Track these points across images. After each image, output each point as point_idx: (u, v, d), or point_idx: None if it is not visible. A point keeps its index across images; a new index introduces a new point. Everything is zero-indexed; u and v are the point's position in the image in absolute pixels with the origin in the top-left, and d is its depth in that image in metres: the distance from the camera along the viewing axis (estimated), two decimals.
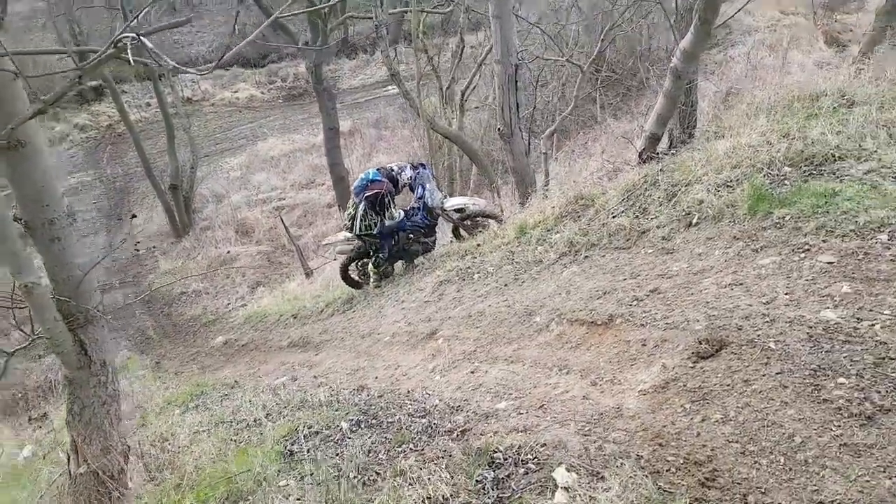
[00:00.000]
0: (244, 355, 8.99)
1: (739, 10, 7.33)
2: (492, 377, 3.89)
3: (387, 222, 7.82)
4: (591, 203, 6.02)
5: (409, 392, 4.13)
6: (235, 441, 4.04)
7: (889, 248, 3.35)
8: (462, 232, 8.45)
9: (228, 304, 15.18)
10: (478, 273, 6.26)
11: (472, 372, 4.11)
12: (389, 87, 26.27)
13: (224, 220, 19.93)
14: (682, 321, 3.42)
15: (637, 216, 5.20)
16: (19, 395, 11.37)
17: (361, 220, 7.89)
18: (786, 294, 3.32)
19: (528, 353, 4.03)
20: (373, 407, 3.93)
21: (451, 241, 8.46)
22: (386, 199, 7.77)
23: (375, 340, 6.00)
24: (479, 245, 7.12)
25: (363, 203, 7.84)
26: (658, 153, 7.10)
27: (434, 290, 6.51)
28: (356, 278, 8.64)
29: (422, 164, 8.63)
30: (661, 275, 4.13)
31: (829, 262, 3.42)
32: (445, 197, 8.54)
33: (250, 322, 11.47)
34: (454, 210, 8.39)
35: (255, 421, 4.31)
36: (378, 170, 8.06)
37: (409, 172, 8.11)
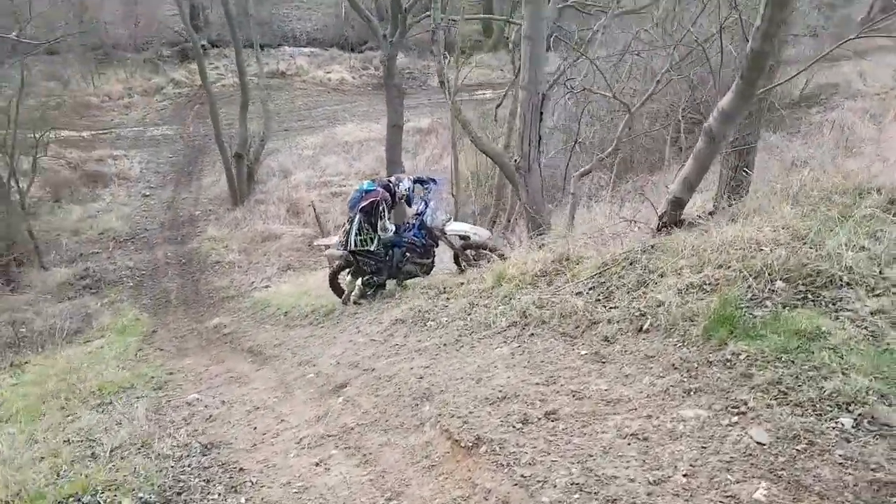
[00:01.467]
0: (216, 347, 8.58)
1: (798, 75, 6.18)
2: (327, 481, 3.13)
3: (380, 234, 7.21)
4: (567, 269, 5.12)
5: (242, 470, 3.46)
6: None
7: (846, 442, 2.34)
8: (462, 261, 7.69)
9: (253, 282, 15.00)
10: (433, 321, 5.47)
11: (319, 463, 3.35)
12: (483, 91, 25.62)
13: (279, 196, 19.89)
14: (544, 478, 2.54)
15: (598, 300, 4.26)
16: None
17: (356, 235, 7.30)
18: (684, 476, 2.38)
19: (386, 458, 3.22)
20: (185, 483, 3.29)
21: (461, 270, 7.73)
22: (381, 208, 7.14)
23: (302, 375, 5.32)
24: (460, 284, 6.33)
25: (358, 216, 7.26)
26: (683, 220, 6.10)
27: (387, 328, 5.77)
28: (344, 287, 8.06)
29: (432, 180, 7.93)
30: (574, 391, 3.22)
31: (759, 443, 2.44)
32: (449, 220, 7.79)
33: (253, 309, 11.13)
34: (457, 236, 7.65)
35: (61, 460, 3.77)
36: (373, 181, 7.48)
37: (406, 184, 7.46)
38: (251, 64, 25.01)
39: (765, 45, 4.78)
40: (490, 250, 7.53)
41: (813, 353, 2.84)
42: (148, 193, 22.45)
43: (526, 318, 4.56)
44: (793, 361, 2.82)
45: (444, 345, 4.74)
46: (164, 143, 25.29)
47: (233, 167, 20.07)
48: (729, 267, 3.74)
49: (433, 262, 7.80)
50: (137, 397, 5.65)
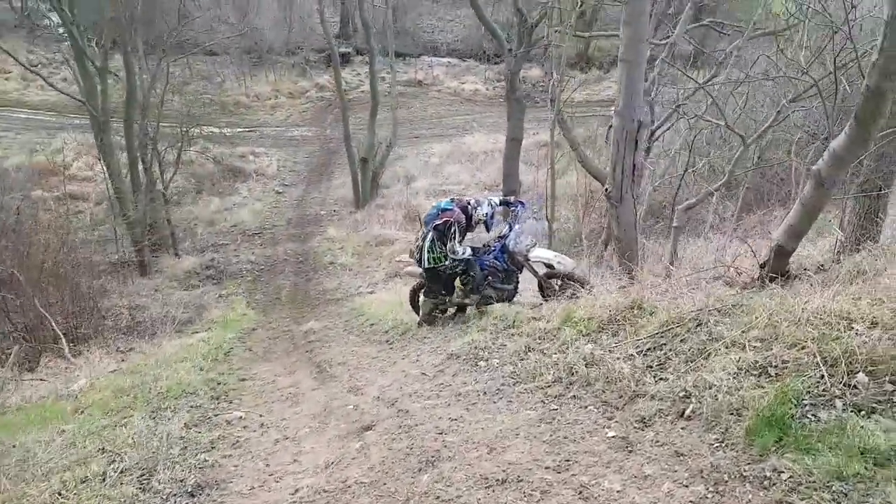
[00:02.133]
0: (297, 354, 8.57)
1: None
2: None
3: (448, 255, 6.95)
4: (636, 319, 4.54)
5: None
6: None
7: None
8: (547, 291, 7.23)
9: (360, 286, 15.16)
10: (485, 360, 5.02)
11: None
12: (595, 108, 24.68)
13: (399, 201, 20.12)
14: None
15: (650, 367, 3.67)
16: None
17: (429, 253, 7.06)
18: None
19: None
20: None
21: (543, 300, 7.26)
22: (453, 229, 6.85)
23: (344, 404, 5.05)
24: (530, 319, 5.87)
25: (431, 233, 7.02)
26: (788, 271, 5.38)
27: (441, 362, 5.41)
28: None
29: (520, 202, 7.52)
30: (582, 487, 2.66)
31: None
32: (534, 245, 7.34)
33: (348, 315, 11.15)
34: (541, 263, 7.20)
35: None
36: (452, 200, 7.21)
37: (485, 209, 7.06)
38: (386, 73, 25.65)
39: (883, 82, 4.01)
40: (576, 281, 6.99)
41: (877, 484, 2.19)
42: (281, 191, 23.62)
43: (572, 375, 4.05)
44: (846, 494, 2.19)
45: (485, 392, 4.29)
46: (303, 144, 26.54)
47: (358, 171, 20.62)
48: (803, 347, 3.06)
49: (516, 288, 7.38)
50: (192, 406, 5.70)
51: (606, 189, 6.65)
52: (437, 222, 6.91)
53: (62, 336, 10.32)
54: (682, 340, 3.75)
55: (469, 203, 7.08)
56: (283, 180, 24.23)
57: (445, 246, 6.88)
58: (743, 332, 3.44)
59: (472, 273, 7.07)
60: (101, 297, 14.52)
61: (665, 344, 3.86)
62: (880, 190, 6.58)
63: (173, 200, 22.25)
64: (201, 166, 23.59)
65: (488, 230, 7.25)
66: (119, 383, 6.87)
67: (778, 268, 5.42)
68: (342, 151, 24.68)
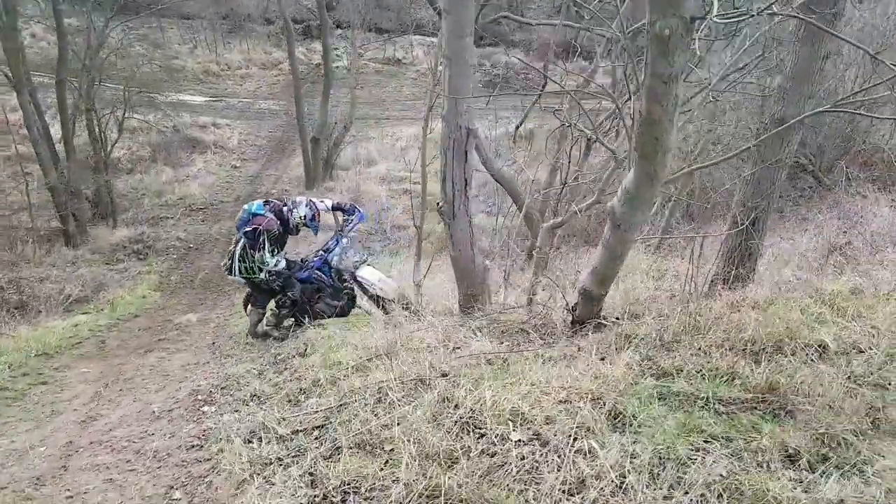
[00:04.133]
0: (133, 356, 7.86)
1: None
2: None
3: (260, 265, 6.15)
4: (365, 372, 3.75)
5: None
6: None
7: None
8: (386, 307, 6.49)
9: None
10: (210, 406, 4.31)
11: None
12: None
13: (348, 186, 19.31)
14: None
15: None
16: None
17: (240, 262, 6.27)
18: None
19: None
20: None
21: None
22: (262, 237, 6.05)
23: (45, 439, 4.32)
24: (295, 356, 5.07)
25: (243, 239, 6.25)
26: (600, 318, 4.65)
27: (178, 399, 4.67)
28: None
29: (355, 209, 6.72)
30: None
31: None
32: (364, 261, 6.56)
33: (236, 308, 10.45)
34: (368, 284, 6.44)
35: None
36: (265, 203, 6.38)
37: (303, 211, 6.25)
38: (346, 48, 24.77)
39: (652, 106, 3.17)
40: (405, 308, 6.27)
41: None
42: (238, 165, 22.77)
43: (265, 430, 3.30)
44: None
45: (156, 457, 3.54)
46: (268, 118, 25.63)
47: (309, 150, 19.77)
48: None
49: (351, 302, 6.62)
50: None
51: (438, 204, 5.82)
52: (247, 228, 6.12)
53: None
54: (346, 420, 2.94)
55: (285, 205, 6.28)
56: (243, 154, 23.38)
57: (258, 253, 6.09)
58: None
59: (288, 292, 6.28)
60: (7, 267, 13.88)
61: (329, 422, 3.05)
62: (754, 223, 5.81)
63: (125, 168, 21.52)
64: (159, 134, 22.75)
65: (315, 233, 6.46)
66: None
67: (586, 314, 4.65)
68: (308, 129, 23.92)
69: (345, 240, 6.42)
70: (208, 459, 3.13)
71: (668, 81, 3.11)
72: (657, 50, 2.96)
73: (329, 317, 6.51)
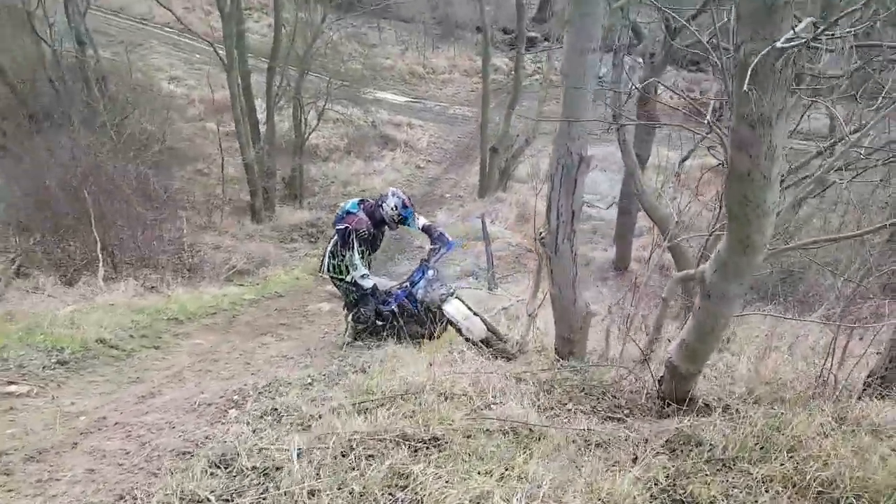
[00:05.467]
0: (253, 335, 8.04)
1: None
2: None
3: (348, 267, 5.91)
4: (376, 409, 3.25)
5: None
6: None
7: None
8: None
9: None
10: (236, 408, 4.06)
11: None
12: None
13: (517, 199, 18.92)
14: None
15: None
16: None
17: (331, 258, 6.11)
18: None
19: None
20: None
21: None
22: (351, 237, 5.77)
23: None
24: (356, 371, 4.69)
25: (335, 236, 6.08)
26: (692, 397, 3.90)
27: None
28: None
29: (442, 234, 6.20)
30: None
31: None
32: (451, 295, 6.00)
33: None
34: (454, 322, 5.92)
35: None
36: (360, 202, 6.08)
37: (392, 201, 5.84)
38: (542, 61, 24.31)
39: (739, 157, 2.41)
40: (492, 347, 5.74)
41: None
42: (422, 166, 23.39)
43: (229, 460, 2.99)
44: None
45: None
46: (460, 123, 26.03)
47: (487, 160, 19.67)
48: None
49: (441, 328, 6.17)
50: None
51: (539, 233, 5.17)
52: (339, 226, 5.91)
53: (100, 259, 10.76)
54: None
55: (377, 203, 5.96)
56: (429, 156, 23.97)
57: (348, 254, 5.86)
58: None
59: (361, 307, 5.97)
60: (197, 232, 15.30)
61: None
62: None
63: (321, 156, 23.04)
64: (357, 129, 24.03)
65: (411, 225, 6.06)
66: (95, 319, 6.82)
67: (676, 391, 3.80)
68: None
69: (430, 271, 5.97)
70: (166, 475, 2.85)
71: (757, 125, 2.29)
72: (742, 83, 2.16)
73: (420, 339, 6.14)
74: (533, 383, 4.44)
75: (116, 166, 12.77)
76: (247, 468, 2.64)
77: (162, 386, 5.00)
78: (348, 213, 5.89)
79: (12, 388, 4.56)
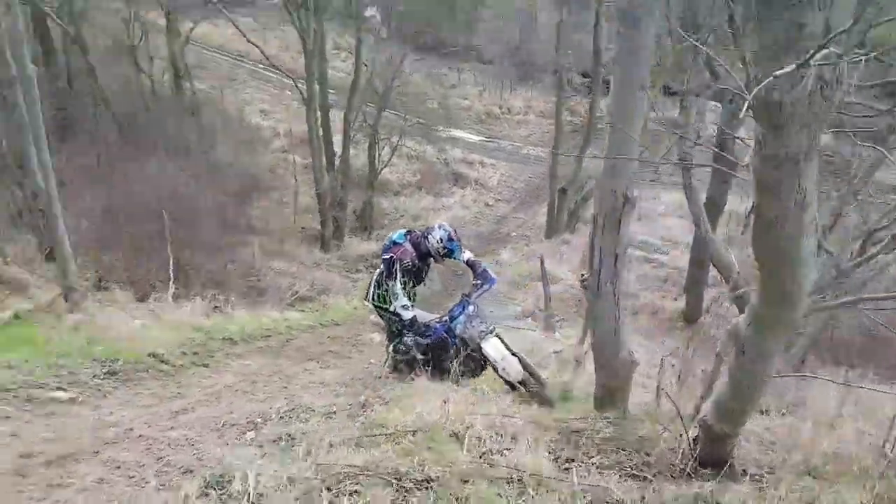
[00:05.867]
0: (326, 360, 8.10)
1: None
2: None
3: (390, 298, 5.92)
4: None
5: None
6: None
7: None
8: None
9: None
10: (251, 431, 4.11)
11: None
12: None
13: (583, 242, 18.59)
14: None
15: None
16: None
17: (376, 288, 6.14)
18: None
19: None
20: None
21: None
22: (395, 267, 5.76)
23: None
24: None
25: (382, 265, 6.12)
26: (729, 461, 3.70)
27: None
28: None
29: (485, 271, 6.10)
30: None
31: None
32: (490, 332, 5.87)
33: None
34: (492, 360, 5.81)
35: None
36: (407, 233, 6.07)
37: (438, 234, 5.79)
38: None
39: (766, 202, 2.35)
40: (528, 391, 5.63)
41: None
42: (491, 204, 23.48)
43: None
44: None
45: None
46: (532, 164, 26.03)
47: (556, 201, 19.56)
48: None
49: (482, 365, 6.07)
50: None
51: (582, 275, 5.06)
52: (385, 256, 5.95)
53: (171, 278, 11.27)
54: None
55: (423, 235, 5.94)
56: (499, 195, 24.06)
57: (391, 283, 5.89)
58: None
59: (405, 338, 5.96)
60: (268, 257, 15.83)
61: None
62: None
63: (393, 190, 23.52)
64: (429, 165, 24.44)
65: (458, 258, 6.03)
66: (153, 335, 7.19)
67: (711, 453, 3.61)
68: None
69: (471, 307, 5.87)
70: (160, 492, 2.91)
71: (782, 165, 2.16)
72: (764, 119, 2.07)
73: (461, 375, 6.06)
74: (558, 432, 4.32)
75: (195, 192, 13.42)
76: (238, 492, 2.65)
77: (198, 403, 5.14)
78: (395, 243, 5.90)
79: (58, 394, 4.79)
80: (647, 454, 4.11)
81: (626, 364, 5.09)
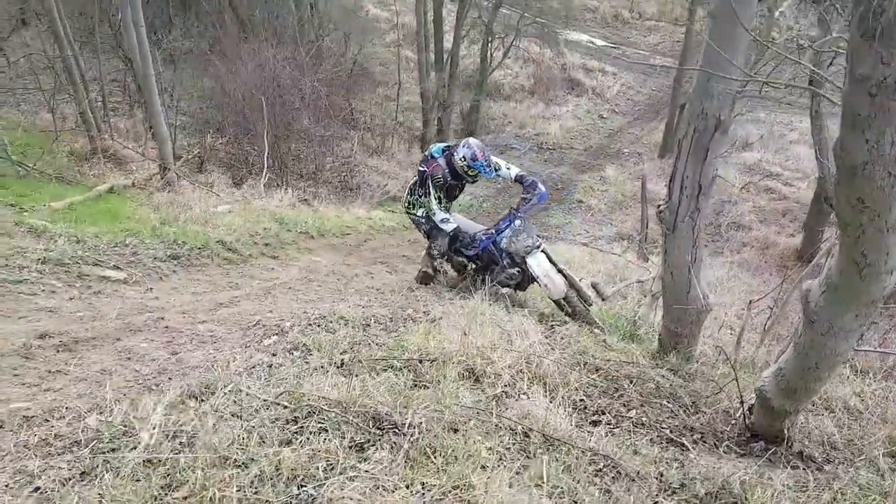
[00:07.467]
0: (392, 264, 7.97)
1: None
2: None
3: (419, 204, 5.75)
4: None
5: None
6: None
7: None
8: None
9: (579, 235, 13.68)
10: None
11: None
12: None
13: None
14: None
15: None
16: None
17: (409, 195, 5.91)
18: None
19: None
20: None
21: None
22: (427, 183, 5.53)
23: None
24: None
25: (417, 175, 5.83)
26: (783, 435, 3.29)
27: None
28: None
29: (535, 183, 5.55)
30: None
31: None
32: (537, 247, 5.43)
33: None
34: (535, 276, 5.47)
35: None
36: (445, 147, 5.73)
37: (461, 151, 5.39)
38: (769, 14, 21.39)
39: (852, 142, 1.75)
40: (569, 313, 5.29)
41: None
42: (605, 116, 22.08)
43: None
44: None
45: None
46: (656, 76, 24.05)
47: (676, 117, 18.05)
48: None
49: (526, 280, 5.71)
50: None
51: (658, 206, 4.45)
52: (421, 168, 5.67)
53: (265, 166, 11.41)
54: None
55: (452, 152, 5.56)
56: (616, 107, 22.55)
57: (423, 196, 5.64)
58: None
59: (433, 242, 5.88)
60: (367, 153, 15.76)
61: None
62: None
63: (504, 94, 22.58)
64: (543, 69, 23.16)
65: (490, 176, 5.61)
66: (227, 221, 7.35)
67: (765, 426, 3.14)
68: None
69: (518, 221, 5.46)
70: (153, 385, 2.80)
71: (878, 92, 1.54)
72: (859, 24, 1.46)
73: (508, 286, 5.79)
74: (604, 375, 3.92)
75: (298, 81, 13.32)
76: (211, 409, 2.48)
77: (246, 297, 5.11)
78: (432, 156, 5.73)
79: (112, 272, 4.87)
80: (697, 413, 3.66)
81: (699, 307, 4.55)
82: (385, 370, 3.02)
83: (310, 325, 4.05)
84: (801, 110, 20.36)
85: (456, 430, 2.48)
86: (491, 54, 19.45)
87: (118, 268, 5.07)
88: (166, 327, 3.88)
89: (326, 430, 2.30)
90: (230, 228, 7.11)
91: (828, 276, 2.40)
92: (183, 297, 4.87)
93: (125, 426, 2.26)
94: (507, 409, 2.92)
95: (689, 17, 18.65)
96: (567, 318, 5.28)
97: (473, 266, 5.90)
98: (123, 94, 13.43)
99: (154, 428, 2.24)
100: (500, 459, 2.42)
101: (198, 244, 6.31)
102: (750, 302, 6.21)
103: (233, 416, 2.44)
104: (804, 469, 2.99)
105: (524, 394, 3.07)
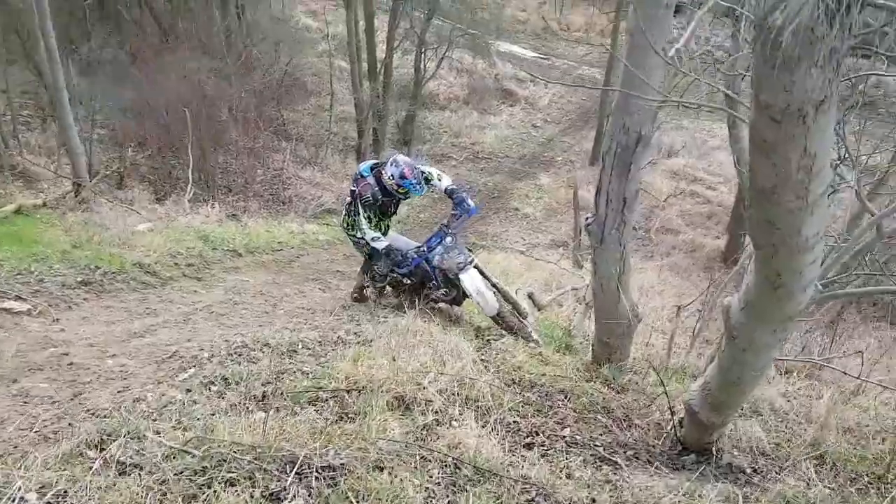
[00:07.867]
0: (324, 281, 7.75)
1: None
2: None
3: (353, 225, 5.52)
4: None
5: None
6: None
7: None
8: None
9: (515, 244, 13.73)
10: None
11: None
12: None
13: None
14: None
15: None
16: None
17: (346, 215, 5.69)
18: None
19: None
20: None
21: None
22: (356, 203, 5.36)
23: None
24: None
25: (350, 193, 5.68)
26: (710, 446, 3.24)
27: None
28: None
29: (464, 199, 5.43)
30: None
31: None
32: (469, 263, 5.36)
33: None
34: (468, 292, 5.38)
35: None
36: (373, 166, 5.52)
37: (389, 170, 5.24)
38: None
39: (761, 166, 1.72)
40: (504, 328, 5.25)
41: None
42: (538, 125, 22.32)
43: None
44: None
45: None
46: (587, 84, 24.56)
47: (604, 125, 18.42)
48: None
49: (461, 296, 5.59)
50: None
51: (586, 219, 4.43)
52: (352, 187, 5.51)
53: (190, 180, 10.96)
54: None
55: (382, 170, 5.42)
56: (548, 116, 22.85)
57: (356, 216, 5.47)
58: None
59: (374, 264, 5.70)
60: (299, 165, 15.38)
61: None
62: None
63: (439, 104, 22.52)
64: (481, 80, 23.25)
65: (419, 194, 5.52)
66: (147, 241, 6.92)
67: (695, 439, 3.09)
68: None
69: (448, 238, 5.39)
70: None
71: (782, 119, 1.51)
72: (761, 51, 1.40)
73: (442, 302, 5.69)
74: (539, 392, 3.83)
75: (226, 91, 12.89)
76: (109, 459, 2.25)
77: (163, 324, 4.81)
78: (361, 175, 5.50)
79: (14, 304, 4.50)
80: (630, 429, 3.62)
81: (628, 318, 4.55)
82: (310, 403, 2.83)
83: (230, 354, 3.82)
84: (721, 118, 21.07)
85: (382, 469, 2.32)
86: (424, 65, 19.37)
87: (21, 298, 4.69)
88: (71, 363, 3.58)
89: (237, 482, 2.10)
90: (150, 249, 6.74)
91: (746, 292, 2.38)
92: (93, 328, 4.54)
93: (4, 487, 2.00)
94: (437, 437, 2.79)
95: (613, 31, 19.04)
96: (504, 332, 5.20)
97: (408, 282, 5.76)
98: (35, 107, 12.67)
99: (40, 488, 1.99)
100: (429, 497, 2.28)
101: (113, 268, 5.94)
102: (678, 308, 6.30)
103: (134, 467, 2.21)
104: (733, 483, 2.97)
105: (455, 420, 2.94)
